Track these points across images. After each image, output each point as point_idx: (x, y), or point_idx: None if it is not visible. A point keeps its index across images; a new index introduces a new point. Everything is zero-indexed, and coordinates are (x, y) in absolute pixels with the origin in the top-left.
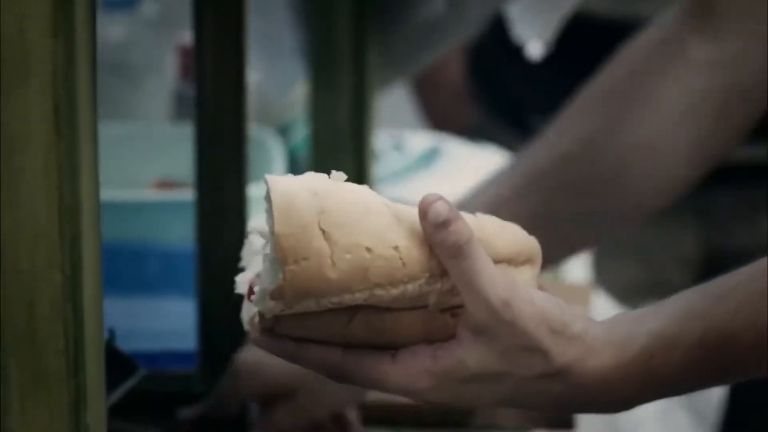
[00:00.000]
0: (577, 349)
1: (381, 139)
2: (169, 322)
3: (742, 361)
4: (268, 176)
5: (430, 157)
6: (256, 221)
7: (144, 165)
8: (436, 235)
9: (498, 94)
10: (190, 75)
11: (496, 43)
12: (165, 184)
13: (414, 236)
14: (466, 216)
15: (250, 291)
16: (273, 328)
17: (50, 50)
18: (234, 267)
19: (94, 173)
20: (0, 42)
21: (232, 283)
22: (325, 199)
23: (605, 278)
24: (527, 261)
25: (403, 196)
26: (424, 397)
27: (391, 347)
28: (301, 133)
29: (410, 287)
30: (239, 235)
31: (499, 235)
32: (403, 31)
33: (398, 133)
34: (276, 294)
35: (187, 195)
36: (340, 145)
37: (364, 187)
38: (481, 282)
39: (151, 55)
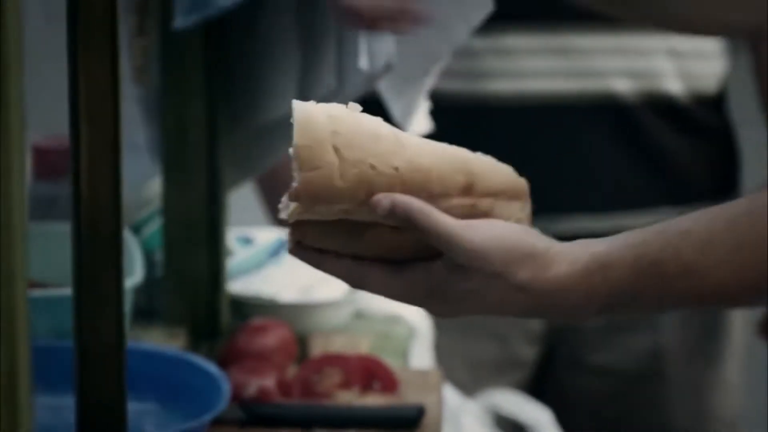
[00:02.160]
0: (539, 264)
1: (229, 236)
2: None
3: (670, 289)
4: (295, 101)
5: (277, 250)
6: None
7: None
8: (390, 219)
9: None
10: (45, 175)
11: None
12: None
13: (415, 162)
14: (462, 151)
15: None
16: (300, 242)
17: None
18: (113, 361)
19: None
20: None
21: (113, 376)
22: (339, 123)
23: (449, 359)
24: (515, 197)
25: (256, 287)
26: (418, 304)
27: (396, 261)
28: (153, 226)
29: None
30: (119, 329)
31: (491, 170)
32: (251, 132)
33: (245, 229)
34: (293, 196)
35: (53, 293)
36: (194, 240)
37: (377, 118)
38: (441, 230)
39: None
